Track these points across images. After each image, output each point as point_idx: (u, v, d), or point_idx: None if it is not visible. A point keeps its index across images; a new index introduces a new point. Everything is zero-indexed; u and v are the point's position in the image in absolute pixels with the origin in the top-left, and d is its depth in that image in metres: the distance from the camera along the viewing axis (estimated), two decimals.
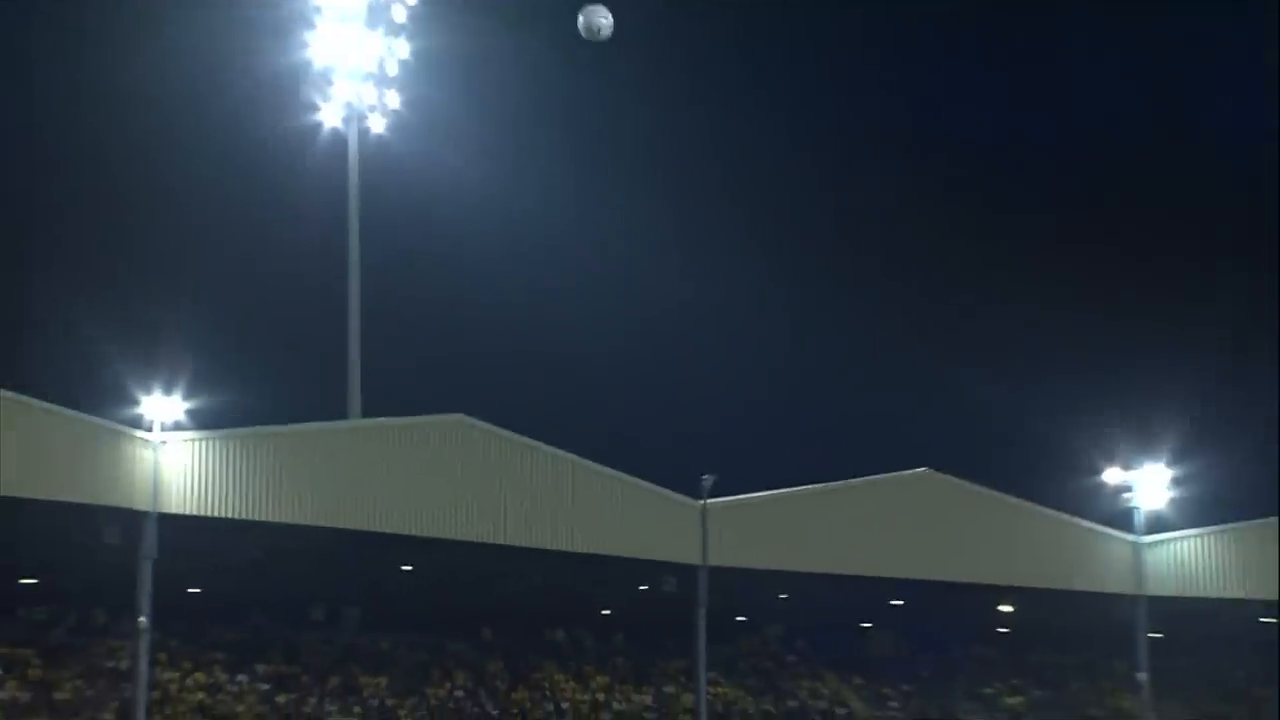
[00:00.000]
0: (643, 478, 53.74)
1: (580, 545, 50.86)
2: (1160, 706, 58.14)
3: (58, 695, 46.85)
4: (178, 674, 49.66)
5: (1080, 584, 57.59)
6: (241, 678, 51.71)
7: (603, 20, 16.43)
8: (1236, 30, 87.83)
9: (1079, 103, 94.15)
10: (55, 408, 42.87)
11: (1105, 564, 58.05)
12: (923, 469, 57.54)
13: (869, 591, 58.50)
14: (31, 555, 47.71)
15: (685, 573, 53.57)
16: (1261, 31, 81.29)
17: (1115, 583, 57.76)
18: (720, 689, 57.94)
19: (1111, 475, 56.63)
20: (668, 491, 54.05)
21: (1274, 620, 58.69)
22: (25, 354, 54.95)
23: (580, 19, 16.46)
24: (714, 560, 52.49)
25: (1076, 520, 58.24)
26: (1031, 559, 56.95)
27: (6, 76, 70.66)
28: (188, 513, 44.51)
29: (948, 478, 57.56)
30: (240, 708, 50.19)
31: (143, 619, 43.48)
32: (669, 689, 58.54)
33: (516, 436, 51.48)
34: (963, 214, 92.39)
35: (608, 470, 52.99)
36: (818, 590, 57.45)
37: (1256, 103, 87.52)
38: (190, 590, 50.75)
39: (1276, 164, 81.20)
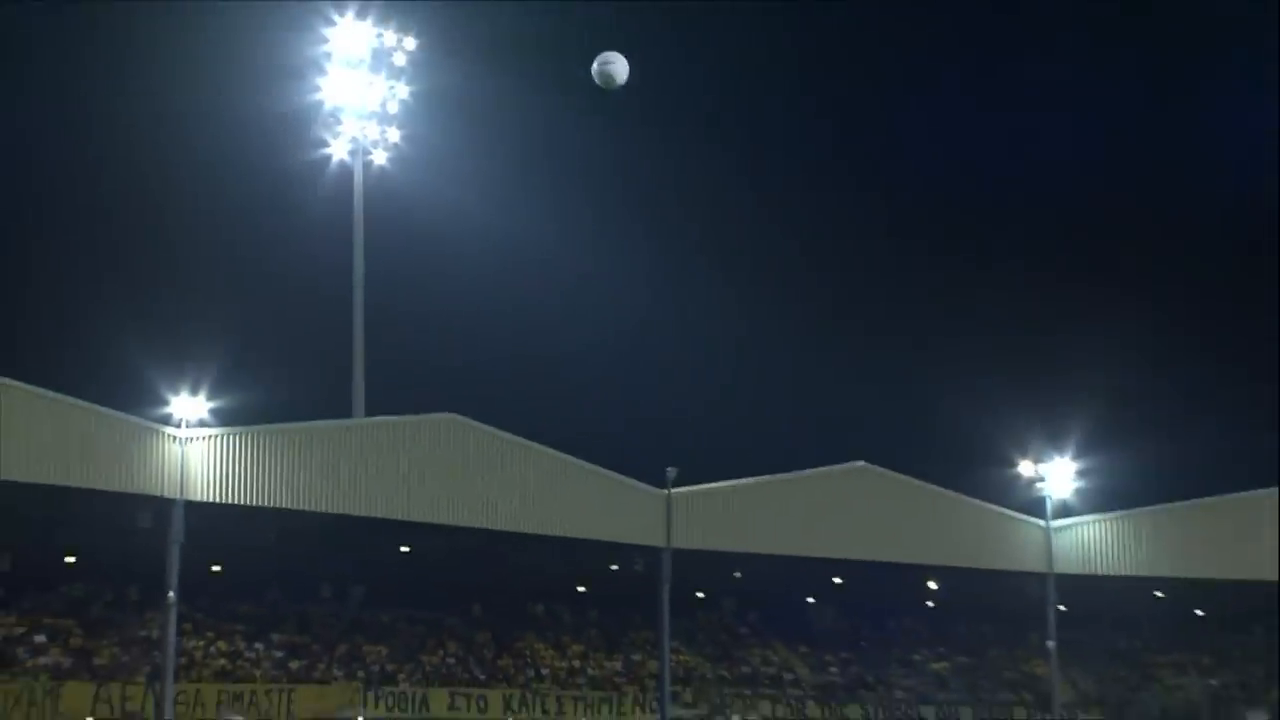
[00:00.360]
0: (614, 470, 53.97)
1: (558, 530, 50.89)
2: (1066, 670, 58.70)
3: (96, 661, 46.67)
4: (202, 642, 49.40)
5: (997, 563, 57.63)
6: (258, 646, 51.46)
7: (618, 68, 13.89)
8: None
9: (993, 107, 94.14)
10: (96, 406, 42.92)
11: (1019, 546, 58.21)
12: (860, 462, 57.76)
13: (813, 571, 58.66)
14: (73, 538, 47.76)
15: (651, 554, 53.60)
16: None
17: (1028, 562, 57.86)
18: (682, 656, 57.87)
19: (1025, 468, 57.07)
20: (636, 482, 54.11)
21: (1164, 595, 59.37)
22: (71, 359, 55.09)
23: (595, 67, 13.92)
24: (676, 543, 52.61)
25: (994, 507, 58.48)
26: (955, 542, 57.09)
27: (52, 105, 71.00)
28: (210, 500, 44.44)
29: (882, 470, 57.71)
30: (257, 672, 50.05)
31: (171, 594, 43.33)
32: (636, 656, 58.63)
33: (502, 433, 51.53)
34: (897, 224, 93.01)
35: (583, 463, 52.96)
36: (768, 569, 57.55)
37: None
38: (213, 569, 50.30)
39: (1178, 163, 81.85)
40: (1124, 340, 73.00)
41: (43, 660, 45.56)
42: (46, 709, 44.01)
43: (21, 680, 44.16)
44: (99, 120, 71.04)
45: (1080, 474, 57.00)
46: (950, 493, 58.21)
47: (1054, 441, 56.97)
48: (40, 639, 46.31)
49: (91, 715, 44.77)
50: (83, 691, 44.81)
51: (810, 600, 64.69)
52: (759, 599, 62.26)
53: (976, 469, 60.01)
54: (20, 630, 46.34)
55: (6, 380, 41.16)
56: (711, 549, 54.43)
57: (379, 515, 48.09)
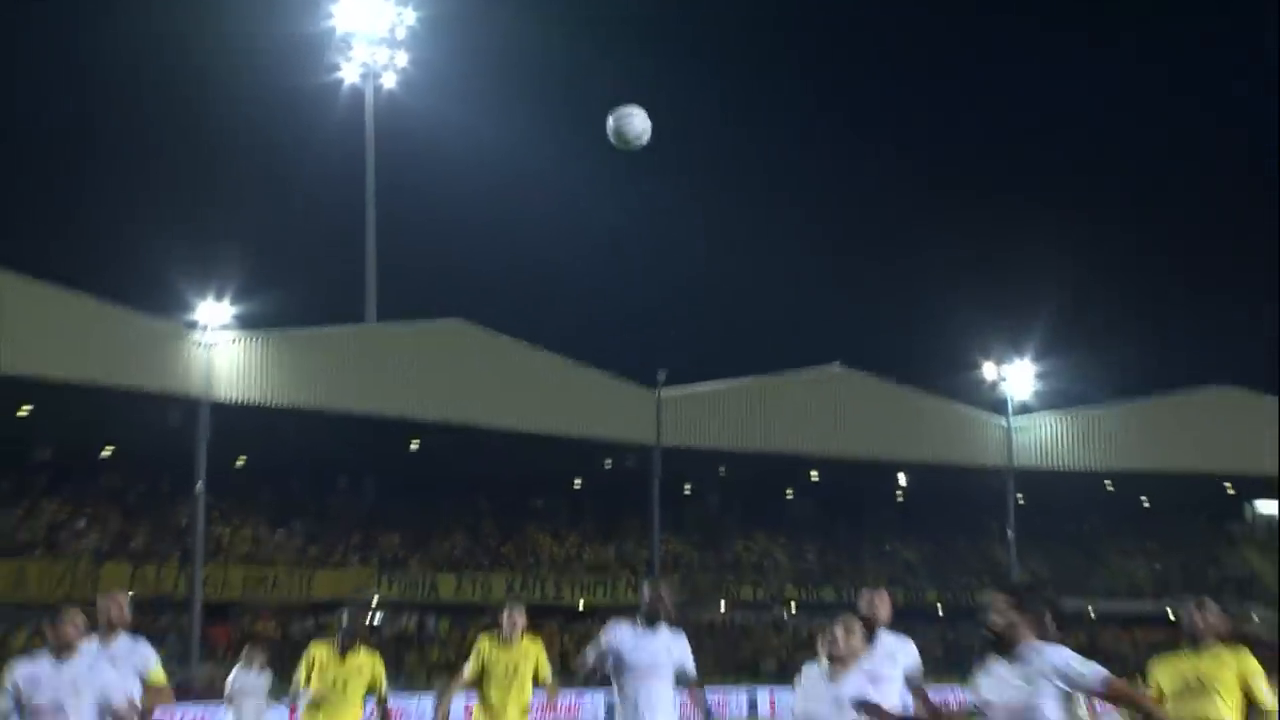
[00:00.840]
0: (609, 372, 55.28)
1: (556, 428, 52.18)
2: (1024, 556, 60.00)
3: (133, 545, 47.57)
4: (228, 529, 50.01)
5: (962, 459, 59.28)
6: (280, 533, 52.38)
7: (638, 125, 9.59)
8: None
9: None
10: (131, 311, 44.09)
11: (982, 442, 59.64)
12: (836, 364, 58.91)
13: (792, 467, 60.21)
14: (111, 433, 49.06)
15: (643, 452, 55.04)
16: None
17: (990, 457, 59.43)
18: (670, 545, 58.73)
19: (988, 370, 58.30)
20: (629, 382, 55.45)
21: (1113, 486, 60.55)
22: (105, 266, 55.71)
23: (610, 123, 9.59)
24: (666, 441, 53.99)
25: (960, 406, 59.79)
26: (923, 439, 58.49)
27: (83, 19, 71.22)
28: (234, 400, 45.77)
29: (856, 372, 58.97)
30: (279, 557, 50.98)
31: (199, 485, 44.63)
32: (629, 545, 59.67)
33: (504, 337, 52.67)
34: (875, 136, 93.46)
35: (580, 365, 54.33)
36: (750, 465, 58.96)
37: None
38: (238, 463, 51.59)
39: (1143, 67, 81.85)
40: (1077, 250, 74.12)
41: (84, 543, 46.44)
42: (88, 587, 45.09)
43: (65, 561, 45.24)
44: (126, 35, 71.52)
45: (1038, 376, 58.31)
46: (920, 392, 59.47)
47: (1015, 345, 58.21)
48: (81, 524, 47.04)
49: (132, 592, 45.82)
50: (121, 572, 45.75)
51: (789, 494, 65.56)
52: (741, 493, 62.84)
53: (944, 370, 61.43)
54: (63, 516, 47.05)
55: (45, 284, 42.15)
56: (698, 446, 55.87)
57: (391, 414, 49.35)
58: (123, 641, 8.73)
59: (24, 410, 45.87)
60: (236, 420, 45.73)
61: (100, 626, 8.75)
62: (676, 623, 8.60)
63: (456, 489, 56.74)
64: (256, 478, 52.03)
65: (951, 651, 50.15)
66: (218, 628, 47.03)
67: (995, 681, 6.53)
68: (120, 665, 8.49)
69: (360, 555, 53.29)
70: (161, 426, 45.71)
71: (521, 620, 10.78)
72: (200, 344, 44.99)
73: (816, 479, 62.57)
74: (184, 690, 41.86)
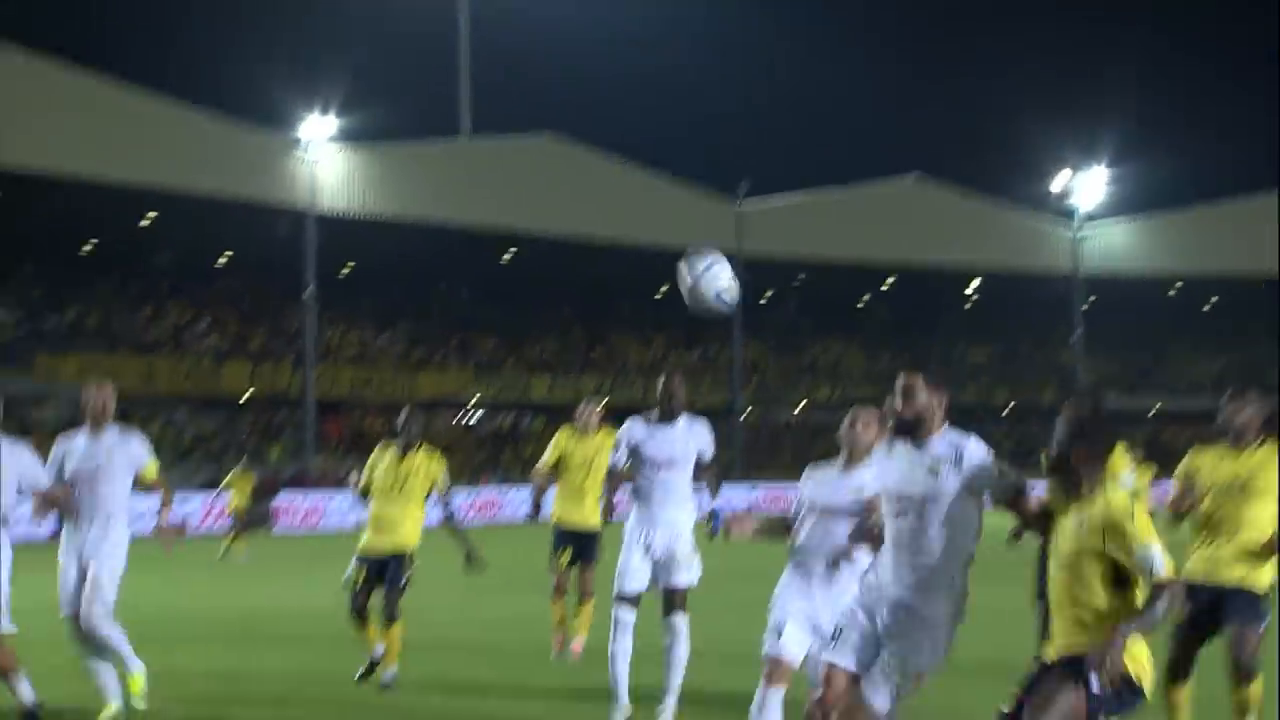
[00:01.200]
0: (693, 183, 55.66)
1: (644, 239, 52.89)
2: (1090, 358, 60.25)
3: (250, 346, 49.05)
4: (336, 332, 51.06)
5: (1033, 265, 59.30)
6: (384, 336, 53.52)
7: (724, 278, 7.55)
8: None
9: None
10: (243, 126, 44.82)
11: (1053, 248, 59.59)
12: (913, 174, 58.85)
13: (868, 275, 60.61)
14: (227, 241, 50.26)
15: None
16: None
17: (1060, 263, 59.48)
18: (750, 349, 59.21)
19: (1060, 178, 57.84)
20: (711, 194, 55.85)
21: (1179, 290, 60.17)
22: (222, 81, 55.84)
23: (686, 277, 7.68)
24: (746, 250, 54.47)
25: (1031, 213, 59.60)
26: (995, 246, 58.54)
27: None
28: (339, 212, 46.81)
29: (932, 182, 58.86)
30: (384, 359, 52.41)
31: (309, 290, 45.88)
32: (711, 349, 60.52)
33: (595, 150, 53.12)
34: None
35: (665, 177, 54.78)
36: (827, 274, 59.40)
37: None
38: (344, 271, 52.59)
39: None
40: (1146, 55, 72.52)
41: (206, 344, 48.03)
42: (212, 383, 46.92)
43: (189, 359, 47.01)
44: None
45: (1109, 182, 57.82)
46: (992, 202, 59.29)
47: (1086, 152, 57.44)
48: (203, 325, 48.55)
49: (251, 389, 47.67)
50: (240, 371, 47.59)
51: (864, 301, 65.76)
52: (818, 300, 63.11)
53: (1016, 179, 60.77)
54: (186, 318, 48.62)
55: (164, 98, 42.95)
56: (777, 255, 56.39)
57: (485, 225, 50.22)
58: (111, 433, 8.49)
59: (147, 219, 47.19)
60: (342, 231, 46.97)
61: (87, 418, 8.49)
62: (689, 412, 8.13)
63: (548, 296, 57.49)
64: (362, 285, 52.81)
65: (1019, 450, 50.93)
66: (330, 424, 48.93)
67: (898, 465, 5.72)
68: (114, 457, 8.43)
69: (458, 358, 54.58)
70: (273, 236, 46.89)
71: (597, 414, 10.87)
72: (306, 158, 45.86)
73: (891, 287, 62.91)
74: (300, 480, 43.92)
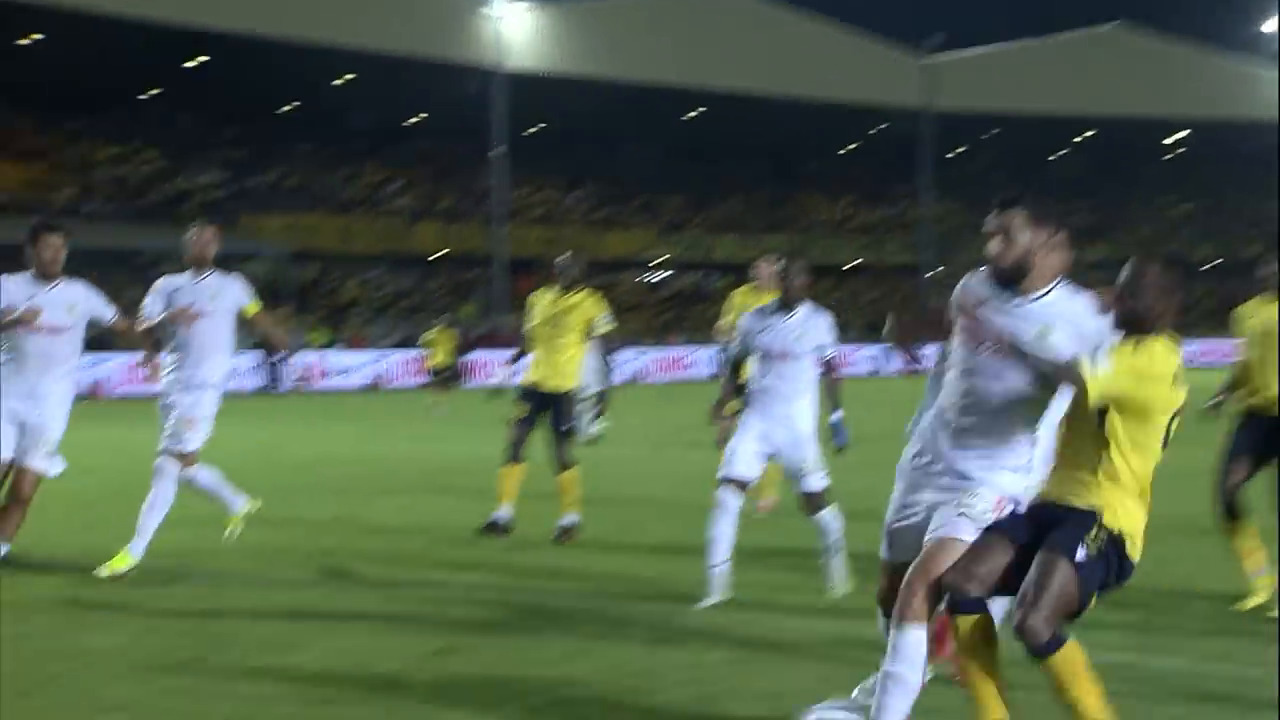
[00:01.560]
0: (881, 36, 54.37)
1: (829, 94, 52.25)
2: None
3: (442, 204, 49.81)
4: (525, 192, 51.31)
5: (1237, 114, 56.90)
6: (574, 194, 54.06)
7: None
8: None
9: None
10: None
11: (1261, 95, 56.46)
12: (1115, 21, 56.60)
13: (1063, 127, 58.80)
14: (420, 102, 50.33)
15: (912, 116, 54.42)
16: None
17: (1266, 111, 56.64)
18: (938, 207, 57.87)
19: (1271, 19, 54.75)
20: (900, 47, 54.59)
21: None
22: None
23: None
24: (937, 105, 53.33)
25: (1236, 58, 56.99)
26: (1198, 95, 56.14)
27: None
28: (529, 70, 46.80)
29: (1132, 29, 56.56)
30: (571, 218, 52.90)
31: (499, 149, 46.00)
32: (898, 207, 59.75)
33: (779, 5, 52.17)
34: None
35: (852, 30, 53.74)
36: (1021, 127, 57.76)
37: None
38: (531, 130, 52.32)
39: None
40: None
41: (400, 203, 48.91)
42: (407, 242, 47.92)
43: (384, 218, 48.01)
44: None
45: None
46: (1195, 47, 56.96)
47: None
48: (397, 185, 49.32)
49: (445, 249, 48.64)
50: (432, 230, 48.52)
51: (1059, 154, 64.10)
52: (1011, 154, 61.58)
53: (1221, 24, 57.88)
54: (381, 178, 49.60)
55: None
56: (969, 109, 54.97)
57: (671, 83, 49.89)
58: (213, 277, 8.32)
59: (343, 79, 47.83)
60: (531, 90, 46.89)
61: (190, 262, 8.36)
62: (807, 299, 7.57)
63: (734, 154, 56.98)
64: (550, 144, 52.95)
65: (1221, 309, 49.21)
66: (521, 281, 49.58)
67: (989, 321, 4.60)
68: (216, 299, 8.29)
69: (645, 217, 54.73)
70: (464, 96, 46.98)
71: (771, 271, 10.25)
72: (493, 16, 45.87)
73: (1088, 139, 60.93)
74: (491, 338, 44.86)
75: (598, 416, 14.89)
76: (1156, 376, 4.45)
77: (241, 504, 8.49)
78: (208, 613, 7.02)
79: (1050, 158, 63.74)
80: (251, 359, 30.58)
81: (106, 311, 8.08)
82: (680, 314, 52.62)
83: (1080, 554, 4.34)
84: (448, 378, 26.12)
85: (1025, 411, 4.65)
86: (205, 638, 6.42)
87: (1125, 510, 4.47)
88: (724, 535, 7.23)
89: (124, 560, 7.87)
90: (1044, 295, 4.59)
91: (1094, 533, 4.40)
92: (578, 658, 6.02)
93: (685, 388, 34.77)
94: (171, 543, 8.38)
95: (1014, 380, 4.59)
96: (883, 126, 58.04)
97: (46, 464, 7.81)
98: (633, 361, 38.38)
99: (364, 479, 13.82)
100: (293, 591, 7.63)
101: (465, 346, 37.50)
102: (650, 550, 9.19)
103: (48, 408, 7.80)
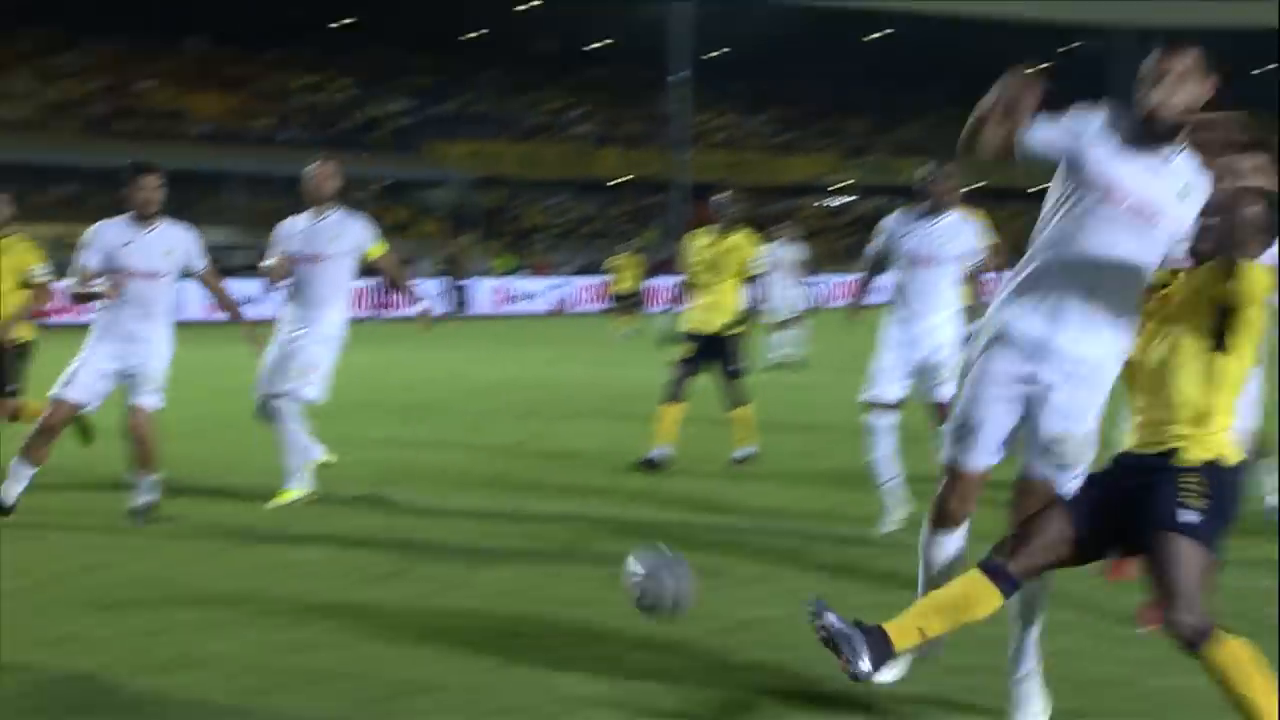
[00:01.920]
0: None
1: (1016, 12, 50.45)
2: None
3: (624, 129, 50.02)
4: (706, 117, 50.78)
5: None
6: (756, 119, 53.61)
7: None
8: None
9: None
10: None
11: None
12: None
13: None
14: (603, 27, 50.47)
15: (1100, 34, 52.46)
16: None
17: None
18: None
19: None
20: None
21: None
22: None
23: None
24: (1124, 19, 51.19)
25: None
26: None
27: None
28: None
29: None
30: (753, 142, 52.70)
31: (682, 74, 45.48)
32: None
33: None
34: None
35: None
36: (1209, 39, 54.95)
37: None
38: (713, 54, 51.48)
39: None
40: None
41: (583, 129, 49.19)
42: (590, 167, 48.02)
43: (568, 144, 48.21)
44: None
45: None
46: None
47: None
48: (580, 111, 49.63)
49: (628, 174, 48.68)
50: (613, 155, 48.56)
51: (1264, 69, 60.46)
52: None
53: None
54: (564, 103, 49.83)
55: None
56: (1158, 25, 52.37)
57: (854, 4, 48.95)
58: (334, 216, 7.90)
59: (527, 6, 47.82)
60: (713, 14, 46.31)
61: (309, 200, 7.92)
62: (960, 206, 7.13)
63: (919, 77, 55.87)
64: (732, 68, 52.56)
65: None
66: (701, 208, 49.17)
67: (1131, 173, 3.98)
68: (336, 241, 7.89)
69: (826, 142, 54.05)
70: (646, 21, 46.80)
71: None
72: None
73: None
74: (673, 264, 44.77)
75: (791, 342, 14.76)
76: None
77: (304, 479, 7.95)
78: (401, 535, 7.19)
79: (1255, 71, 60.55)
80: (437, 285, 31.11)
81: (199, 261, 7.66)
82: (863, 239, 51.07)
83: (1187, 517, 3.73)
84: (633, 303, 26.23)
85: (1138, 288, 4.01)
86: (407, 553, 6.59)
87: (1208, 430, 3.81)
88: (884, 456, 7.12)
89: (288, 495, 7.85)
90: (1181, 153, 3.98)
91: (1189, 484, 3.78)
92: (755, 583, 6.01)
93: (867, 313, 34.23)
94: (368, 464, 8.55)
95: (1145, 248, 3.97)
96: (1075, 45, 55.86)
97: (155, 399, 7.52)
98: (816, 286, 37.88)
99: (548, 403, 14.01)
100: (476, 522, 7.63)
101: (651, 271, 37.61)
102: (831, 478, 9.10)
103: (150, 348, 7.47)
